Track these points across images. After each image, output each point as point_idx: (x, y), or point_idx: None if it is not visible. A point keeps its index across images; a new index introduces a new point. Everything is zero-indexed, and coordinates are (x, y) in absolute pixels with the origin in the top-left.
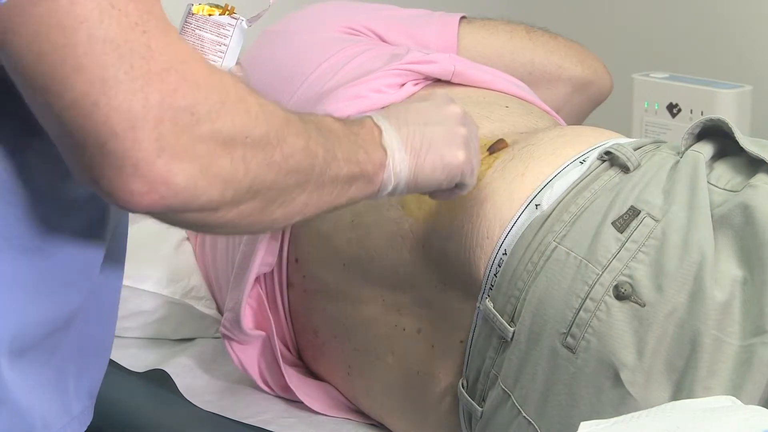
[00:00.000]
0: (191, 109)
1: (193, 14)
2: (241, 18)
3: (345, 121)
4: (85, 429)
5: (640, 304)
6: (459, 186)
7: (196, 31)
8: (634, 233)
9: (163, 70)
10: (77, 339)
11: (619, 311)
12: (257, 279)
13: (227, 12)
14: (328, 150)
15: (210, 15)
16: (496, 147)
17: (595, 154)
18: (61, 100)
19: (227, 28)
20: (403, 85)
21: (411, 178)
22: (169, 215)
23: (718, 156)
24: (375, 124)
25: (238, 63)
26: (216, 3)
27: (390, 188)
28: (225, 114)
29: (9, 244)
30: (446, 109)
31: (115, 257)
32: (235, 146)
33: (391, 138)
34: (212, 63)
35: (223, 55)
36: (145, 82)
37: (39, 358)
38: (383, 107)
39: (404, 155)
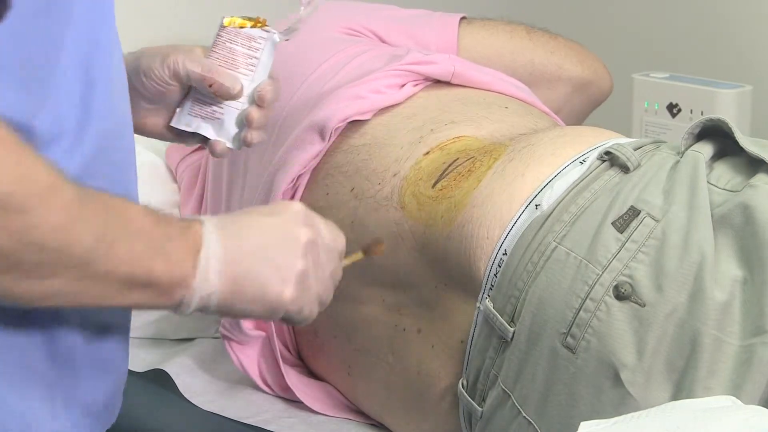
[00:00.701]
0: None
1: (224, 27)
2: (274, 31)
3: (166, 220)
4: None
5: (640, 304)
6: (285, 319)
7: (227, 44)
8: (634, 233)
9: None
10: (74, 348)
11: (619, 311)
12: None
13: (259, 25)
14: (102, 241)
15: (242, 28)
16: (372, 249)
17: (595, 154)
18: None
19: (259, 41)
20: (403, 85)
21: (224, 305)
22: None
23: (718, 156)
24: (201, 233)
25: (270, 77)
26: (249, 15)
27: (193, 308)
28: None
29: None
30: (290, 233)
31: None
32: None
33: (208, 257)
34: (244, 76)
35: (254, 68)
36: None
37: (28, 359)
38: (227, 217)
39: (217, 281)
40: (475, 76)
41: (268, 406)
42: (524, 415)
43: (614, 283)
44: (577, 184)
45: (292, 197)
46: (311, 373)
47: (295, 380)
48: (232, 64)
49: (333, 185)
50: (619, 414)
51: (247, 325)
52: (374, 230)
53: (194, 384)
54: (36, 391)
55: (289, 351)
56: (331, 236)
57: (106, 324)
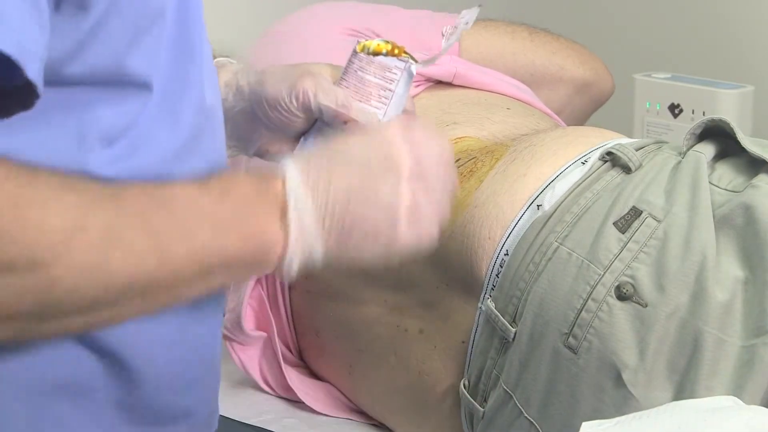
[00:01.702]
0: None
1: (356, 53)
2: (411, 61)
3: (232, 189)
4: None
5: (641, 305)
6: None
7: (359, 72)
8: (636, 233)
9: None
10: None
11: (621, 311)
12: (258, 280)
13: (396, 51)
14: (153, 252)
15: (376, 55)
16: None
17: (597, 154)
18: None
19: (394, 71)
20: None
21: (331, 260)
22: None
23: (719, 156)
24: (284, 195)
25: (405, 111)
26: (385, 39)
27: (296, 270)
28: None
29: None
30: (389, 161)
31: None
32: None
33: (299, 217)
34: (375, 110)
35: (387, 101)
36: None
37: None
38: (310, 159)
39: (315, 239)
40: (476, 77)
41: (270, 406)
42: (526, 415)
43: (616, 284)
44: (579, 185)
45: None
46: (313, 374)
47: (296, 380)
48: (363, 95)
49: None
50: (621, 414)
51: (248, 325)
52: None
53: None
54: None
55: (290, 351)
56: (437, 147)
57: (191, 379)
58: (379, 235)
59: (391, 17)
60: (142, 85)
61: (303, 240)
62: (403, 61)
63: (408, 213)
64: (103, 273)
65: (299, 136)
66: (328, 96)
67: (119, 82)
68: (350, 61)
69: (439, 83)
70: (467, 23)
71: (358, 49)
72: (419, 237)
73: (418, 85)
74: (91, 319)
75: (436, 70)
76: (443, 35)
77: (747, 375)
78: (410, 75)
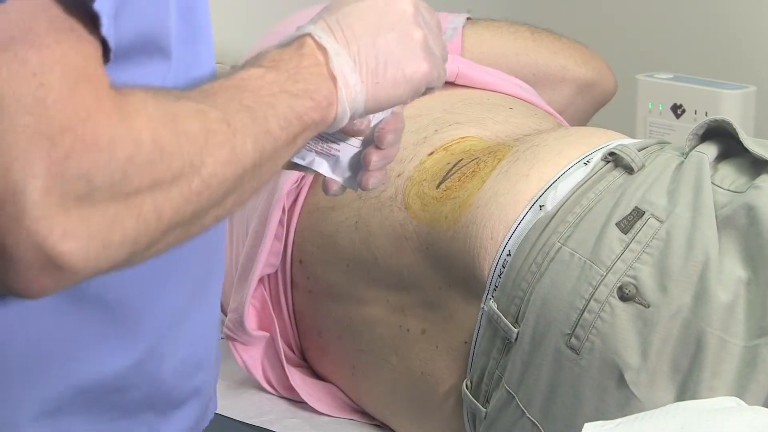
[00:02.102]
0: (87, 177)
1: None
2: None
3: (280, 57)
4: None
5: (644, 305)
6: (426, 92)
7: None
8: (639, 234)
9: (57, 131)
10: (154, 389)
11: (624, 312)
12: (261, 280)
13: None
14: (259, 133)
15: None
16: None
17: (600, 155)
18: None
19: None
20: None
21: (371, 103)
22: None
23: (722, 157)
24: (317, 44)
25: (393, 113)
26: None
27: (346, 119)
28: (132, 170)
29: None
30: (395, 8)
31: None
32: (142, 202)
33: (340, 62)
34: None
35: None
36: (29, 145)
37: (90, 416)
38: (324, 18)
39: (358, 80)
40: (479, 77)
41: (272, 406)
42: (528, 415)
43: (618, 284)
44: (582, 185)
45: (296, 198)
46: (315, 374)
47: (299, 381)
48: None
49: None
50: (624, 415)
51: (251, 325)
52: (378, 230)
53: None
54: None
55: (293, 351)
56: (428, 8)
57: (193, 358)
58: (404, 71)
59: None
60: (164, 52)
61: (349, 92)
62: None
63: (423, 47)
64: (236, 161)
65: None
66: None
67: (144, 50)
68: None
69: None
70: (455, 29)
71: None
72: (438, 72)
73: None
74: (221, 211)
75: None
76: None
77: (750, 375)
78: None
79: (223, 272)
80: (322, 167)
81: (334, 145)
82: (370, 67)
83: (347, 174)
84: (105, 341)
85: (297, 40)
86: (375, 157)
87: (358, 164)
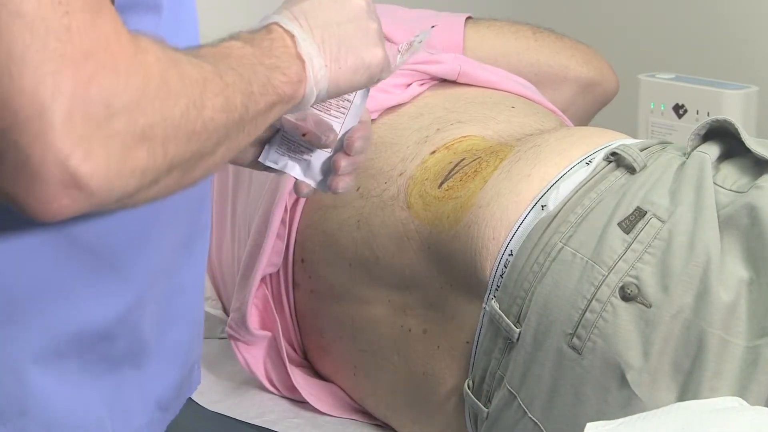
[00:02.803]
0: (107, 101)
1: None
2: None
3: (252, 37)
4: None
5: (646, 305)
6: (376, 83)
7: None
8: (641, 234)
9: (81, 55)
10: (137, 343)
11: (625, 312)
12: (263, 279)
13: None
14: (245, 91)
15: None
16: None
17: (602, 155)
18: None
19: None
20: (409, 85)
21: (332, 86)
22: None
23: (724, 157)
24: (285, 30)
25: (361, 121)
26: None
27: (312, 100)
28: (144, 101)
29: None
30: (351, 4)
31: (193, 239)
32: (153, 134)
33: (307, 46)
34: (334, 119)
35: (345, 111)
36: (57, 66)
37: (85, 363)
38: (287, 8)
39: (322, 62)
40: (481, 75)
41: (274, 406)
42: (530, 416)
43: (620, 284)
44: (584, 185)
45: (298, 197)
46: (317, 374)
47: (301, 380)
48: (323, 106)
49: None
50: (625, 415)
51: (253, 325)
52: (380, 230)
53: (200, 384)
54: (101, 397)
55: (295, 351)
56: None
57: (175, 315)
58: (364, 58)
59: (395, 16)
60: (155, 9)
61: (315, 73)
62: None
63: (378, 36)
64: (228, 111)
65: (263, 144)
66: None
67: (134, 4)
68: None
69: (444, 81)
70: (421, 41)
71: None
72: (389, 59)
73: (423, 84)
74: (212, 162)
75: (440, 69)
76: (398, 51)
77: (751, 376)
78: (365, 90)
79: (208, 237)
80: (294, 170)
81: (307, 151)
82: (333, 53)
83: (318, 177)
84: (97, 288)
85: (265, 27)
86: (344, 162)
87: (329, 168)
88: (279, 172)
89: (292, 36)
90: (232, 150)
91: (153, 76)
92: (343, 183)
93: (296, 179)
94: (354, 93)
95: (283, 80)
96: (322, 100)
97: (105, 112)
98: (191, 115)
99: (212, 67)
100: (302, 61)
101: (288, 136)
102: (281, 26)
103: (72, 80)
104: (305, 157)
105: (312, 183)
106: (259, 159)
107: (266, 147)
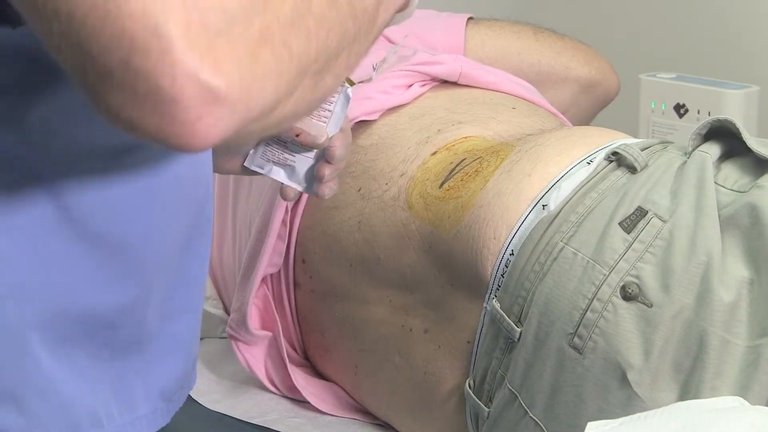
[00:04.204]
0: (220, 6)
1: None
2: (347, 85)
3: None
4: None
5: (647, 305)
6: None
7: None
8: (642, 234)
9: None
10: (140, 333)
11: (626, 312)
12: (264, 279)
13: None
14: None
15: None
16: None
17: (603, 154)
18: (73, 21)
19: (333, 94)
20: (410, 86)
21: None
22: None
23: (725, 156)
24: None
25: (342, 129)
26: None
27: (415, 6)
28: (255, 2)
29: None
30: None
31: (199, 235)
32: (271, 34)
33: None
34: (317, 129)
35: (327, 120)
36: None
37: (89, 349)
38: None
39: None
40: (482, 77)
41: (275, 406)
42: (531, 415)
43: (621, 284)
44: (585, 185)
45: (299, 197)
46: (318, 373)
47: (301, 380)
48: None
49: (340, 185)
50: (626, 414)
51: (253, 324)
52: (381, 230)
53: (200, 384)
54: (107, 383)
55: (295, 351)
56: None
57: (179, 308)
58: None
59: None
60: None
61: None
62: (341, 85)
63: None
64: (337, 5)
65: (249, 148)
66: None
67: None
68: None
69: (445, 83)
70: (395, 52)
71: None
72: None
73: (424, 85)
74: (339, 66)
75: (441, 70)
76: (374, 68)
77: (752, 375)
78: (347, 97)
79: (211, 230)
80: (279, 175)
81: (290, 156)
82: None
83: (303, 183)
84: (103, 274)
85: None
86: (327, 171)
87: (312, 175)
88: (264, 177)
89: None
90: (353, 55)
91: None
92: (328, 189)
93: (282, 184)
94: (335, 102)
95: None
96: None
97: (221, 19)
98: (302, 11)
99: None
100: None
101: (271, 142)
102: None
103: None
104: (289, 163)
105: (297, 187)
106: (245, 164)
107: (251, 152)
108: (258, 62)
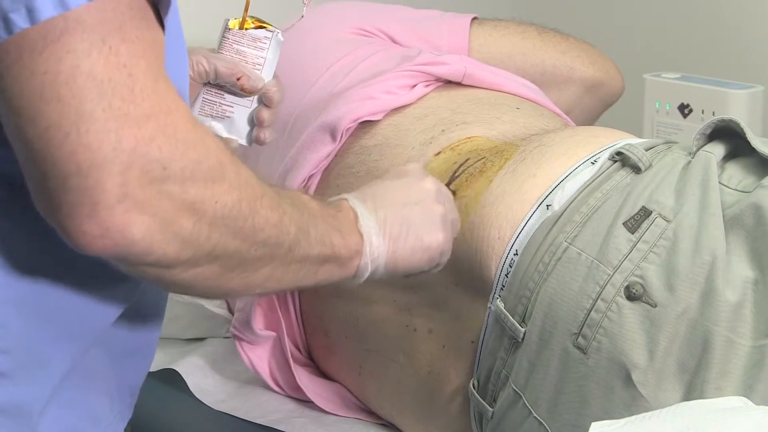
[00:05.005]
0: (164, 163)
1: (230, 29)
2: (277, 30)
3: (321, 200)
4: (124, 425)
5: (651, 305)
6: (436, 267)
7: (235, 45)
8: (646, 234)
9: (142, 116)
10: (130, 340)
11: (631, 312)
12: None
13: (264, 26)
14: (301, 228)
15: (246, 29)
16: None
17: (607, 154)
18: (34, 126)
19: (264, 41)
20: (414, 86)
21: (390, 264)
22: (121, 264)
23: (729, 156)
24: (351, 207)
25: (275, 76)
26: (252, 16)
27: (368, 274)
28: (198, 175)
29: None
30: (422, 186)
31: None
32: (202, 209)
33: (367, 223)
34: (254, 74)
35: (261, 67)
36: (120, 124)
37: (101, 351)
38: (361, 190)
39: (382, 241)
40: (486, 77)
41: (279, 405)
42: (535, 415)
43: (625, 284)
44: (589, 185)
45: None
46: (322, 373)
47: (305, 380)
48: (242, 64)
49: (344, 186)
50: (630, 414)
51: (257, 325)
52: None
53: (205, 384)
54: (101, 386)
55: (299, 351)
56: (446, 189)
57: (145, 312)
58: (423, 240)
59: (400, 17)
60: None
61: (372, 250)
62: (271, 31)
63: (442, 220)
64: (279, 231)
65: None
66: (219, 61)
67: None
68: (224, 37)
69: (449, 83)
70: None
71: (231, 26)
72: (450, 243)
73: (428, 85)
74: (258, 280)
75: (445, 70)
76: (304, 3)
77: (757, 375)
78: (278, 42)
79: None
80: (219, 129)
81: (228, 107)
82: (394, 233)
83: (243, 133)
84: (103, 294)
85: (335, 202)
86: (267, 114)
87: (251, 123)
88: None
89: (356, 213)
90: (273, 281)
91: (210, 156)
92: (268, 134)
93: (222, 137)
94: (267, 49)
95: (340, 242)
96: (381, 277)
97: (160, 173)
98: (243, 211)
99: (273, 191)
100: (361, 236)
101: (208, 96)
102: (349, 203)
103: (133, 138)
104: (227, 114)
105: (237, 138)
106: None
107: (196, 99)
108: (175, 223)
